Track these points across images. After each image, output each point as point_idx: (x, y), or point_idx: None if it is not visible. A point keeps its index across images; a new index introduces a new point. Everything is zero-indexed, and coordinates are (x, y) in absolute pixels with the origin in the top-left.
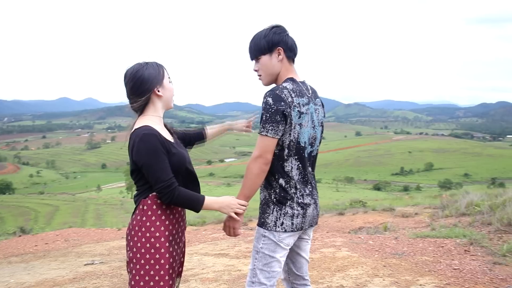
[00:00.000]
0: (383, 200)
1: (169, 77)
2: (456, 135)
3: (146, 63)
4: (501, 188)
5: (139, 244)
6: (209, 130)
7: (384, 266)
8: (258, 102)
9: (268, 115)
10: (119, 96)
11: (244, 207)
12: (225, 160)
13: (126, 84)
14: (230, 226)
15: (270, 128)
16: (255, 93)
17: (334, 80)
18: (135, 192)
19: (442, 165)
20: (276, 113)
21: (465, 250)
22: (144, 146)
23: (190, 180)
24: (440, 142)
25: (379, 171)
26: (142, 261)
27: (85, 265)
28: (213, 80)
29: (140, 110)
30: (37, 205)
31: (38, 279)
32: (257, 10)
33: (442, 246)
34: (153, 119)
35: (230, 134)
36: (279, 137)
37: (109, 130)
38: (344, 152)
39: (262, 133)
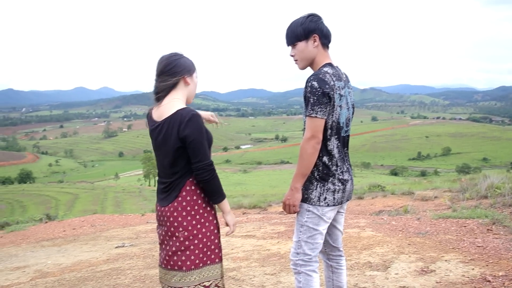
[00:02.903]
0: (401, 184)
1: (197, 75)
2: (474, 119)
3: (182, 54)
4: None
5: (194, 222)
6: None
7: (408, 244)
8: (273, 88)
9: (315, 97)
10: (135, 84)
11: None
12: (241, 146)
13: (159, 65)
14: (290, 204)
15: (318, 109)
16: (269, 80)
17: (349, 65)
18: (170, 175)
19: (460, 149)
20: (323, 95)
21: (488, 229)
22: (195, 124)
23: None
24: (458, 126)
25: (396, 156)
26: (200, 236)
27: (116, 247)
28: (228, 67)
29: (166, 91)
30: (57, 194)
31: (73, 261)
32: None
33: (465, 226)
34: (183, 104)
35: (246, 121)
36: (326, 118)
37: (125, 119)
38: (360, 137)
39: (312, 115)
